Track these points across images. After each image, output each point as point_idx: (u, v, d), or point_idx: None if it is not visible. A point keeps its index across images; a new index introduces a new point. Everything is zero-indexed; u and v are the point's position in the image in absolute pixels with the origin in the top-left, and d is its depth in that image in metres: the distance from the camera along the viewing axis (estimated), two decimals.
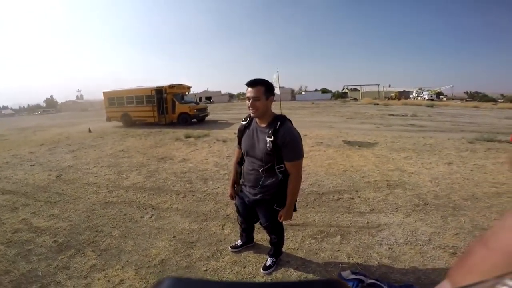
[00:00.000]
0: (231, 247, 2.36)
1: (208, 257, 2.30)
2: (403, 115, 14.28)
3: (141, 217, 3.10)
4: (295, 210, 1.79)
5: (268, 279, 2.02)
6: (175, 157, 5.96)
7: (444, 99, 32.71)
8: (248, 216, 2.04)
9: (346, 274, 1.93)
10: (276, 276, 2.05)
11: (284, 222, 1.88)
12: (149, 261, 2.28)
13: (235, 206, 2.10)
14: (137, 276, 2.10)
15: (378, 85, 40.01)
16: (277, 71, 7.78)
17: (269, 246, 2.17)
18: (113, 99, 13.41)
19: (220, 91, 50.34)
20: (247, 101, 1.56)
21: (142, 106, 12.63)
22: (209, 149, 6.70)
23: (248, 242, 2.36)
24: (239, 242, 2.37)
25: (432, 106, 21.47)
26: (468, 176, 4.17)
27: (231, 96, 51.03)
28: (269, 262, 2.10)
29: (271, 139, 1.55)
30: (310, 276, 2.01)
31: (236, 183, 1.98)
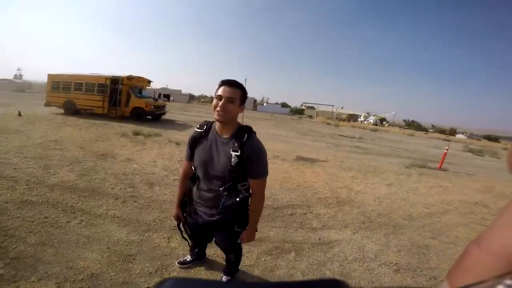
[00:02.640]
0: (178, 263, 2.08)
1: (150, 272, 1.99)
2: (351, 137, 15.53)
3: (67, 222, 2.58)
4: (256, 230, 1.59)
5: None
6: (118, 155, 5.27)
7: (386, 125, 36.89)
8: (201, 237, 1.80)
9: None
10: None
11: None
12: (75, 274, 1.90)
13: (182, 227, 1.76)
14: None
15: (333, 105, 43.32)
16: (245, 79, 7.75)
17: (222, 262, 1.99)
18: (58, 83, 11.71)
19: (180, 90, 48.29)
20: (216, 101, 1.31)
21: (91, 95, 11.28)
22: (159, 150, 6.14)
23: (199, 258, 2.11)
24: (188, 258, 2.10)
25: (375, 130, 23.94)
26: (405, 197, 4.60)
27: (191, 97, 49.36)
28: (224, 281, 1.88)
29: (237, 153, 1.32)
30: None
31: (182, 202, 1.69)
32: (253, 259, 2.29)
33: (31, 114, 9.83)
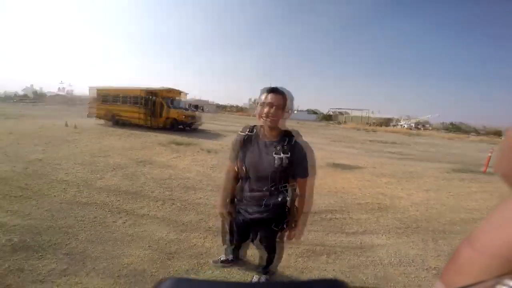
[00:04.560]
0: (213, 261, 2.18)
1: (187, 270, 2.11)
2: (385, 142, 14.83)
3: (114, 221, 2.83)
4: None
5: None
6: (155, 162, 5.67)
7: (430, 128, 34.50)
8: (243, 236, 1.87)
9: None
10: None
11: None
12: (119, 270, 2.04)
13: (228, 225, 1.86)
14: (104, 285, 1.87)
15: (366, 110, 41.57)
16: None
17: (256, 263, 2.05)
18: (100, 96, 12.96)
19: (207, 101, 50.26)
20: (267, 108, 1.38)
21: (129, 106, 12.23)
22: (193, 157, 6.47)
23: (235, 259, 2.17)
24: (222, 257, 2.19)
25: (414, 135, 22.54)
26: (444, 202, 4.32)
27: (217, 107, 51.13)
28: (263, 279, 1.94)
29: (284, 155, 1.41)
30: None
31: (228, 201, 1.76)
32: (284, 260, 2.31)
33: (78, 124, 10.79)
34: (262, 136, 1.50)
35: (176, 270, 2.10)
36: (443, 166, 7.76)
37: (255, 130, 1.55)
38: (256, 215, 1.57)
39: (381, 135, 19.92)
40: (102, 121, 12.78)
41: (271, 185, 1.49)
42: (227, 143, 9.69)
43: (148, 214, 3.07)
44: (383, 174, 6.21)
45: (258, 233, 1.73)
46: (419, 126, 35.99)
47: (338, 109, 47.73)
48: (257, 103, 1.45)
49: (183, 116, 11.81)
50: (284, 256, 2.37)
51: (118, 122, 12.38)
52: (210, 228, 2.82)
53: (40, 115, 15.07)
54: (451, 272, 0.28)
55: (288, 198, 1.54)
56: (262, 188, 1.51)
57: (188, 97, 15.50)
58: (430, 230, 3.18)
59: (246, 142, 1.54)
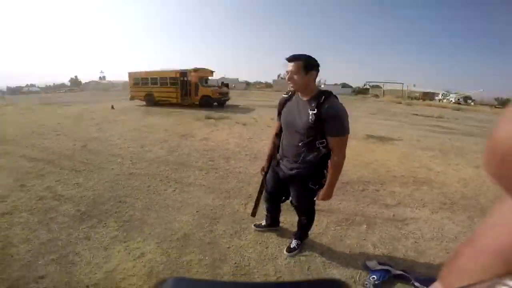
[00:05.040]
0: (254, 225, 2.36)
1: (231, 234, 2.29)
2: (428, 116, 13.72)
3: (165, 190, 3.13)
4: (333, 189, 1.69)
5: (291, 261, 1.98)
6: (196, 135, 6.07)
7: (472, 103, 30.91)
8: (276, 192, 1.98)
9: (372, 264, 1.90)
10: (300, 259, 2.01)
11: (317, 204, 1.84)
12: (172, 234, 2.25)
13: (263, 181, 2.01)
14: (159, 249, 2.06)
15: (402, 83, 38.22)
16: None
17: (294, 229, 2.16)
18: (138, 80, 14.03)
19: (237, 79, 50.22)
20: (287, 76, 1.58)
21: (166, 87, 13.25)
22: (229, 130, 6.77)
23: (273, 224, 2.33)
24: (263, 222, 2.35)
25: (458, 109, 20.44)
26: None
27: (247, 84, 50.97)
28: (293, 244, 2.07)
29: (314, 112, 1.49)
30: (335, 263, 1.98)
31: (273, 156, 1.90)
32: (322, 227, 2.43)
33: (121, 107, 11.97)
34: (299, 97, 1.64)
35: (220, 235, 2.28)
36: None
37: (296, 93, 1.68)
38: (295, 171, 1.68)
39: (424, 109, 18.36)
40: (142, 103, 13.83)
41: (304, 141, 1.59)
42: (259, 116, 9.87)
43: (194, 183, 3.36)
44: (428, 147, 5.86)
45: (291, 192, 1.84)
46: (469, 101, 32.18)
47: (374, 82, 44.38)
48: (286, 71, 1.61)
49: (217, 94, 12.64)
50: (323, 224, 2.49)
51: (157, 103, 13.41)
52: (250, 195, 2.98)
53: (88, 101, 16.67)
54: (451, 272, 0.29)
55: (320, 156, 1.59)
56: (296, 143, 1.63)
57: (218, 75, 16.15)
58: (478, 208, 3.01)
59: (286, 102, 1.73)
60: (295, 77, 1.53)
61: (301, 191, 1.77)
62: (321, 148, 1.58)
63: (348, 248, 2.17)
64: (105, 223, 2.41)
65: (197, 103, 12.68)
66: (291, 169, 1.70)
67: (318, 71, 1.57)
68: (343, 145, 1.54)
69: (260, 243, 2.18)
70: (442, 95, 35.31)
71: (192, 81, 12.69)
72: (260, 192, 2.07)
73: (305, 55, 1.54)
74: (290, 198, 1.91)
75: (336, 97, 1.57)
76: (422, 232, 2.44)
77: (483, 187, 3.65)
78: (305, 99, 1.59)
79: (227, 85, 14.71)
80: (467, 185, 3.71)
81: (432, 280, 1.25)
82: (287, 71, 1.56)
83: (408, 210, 2.87)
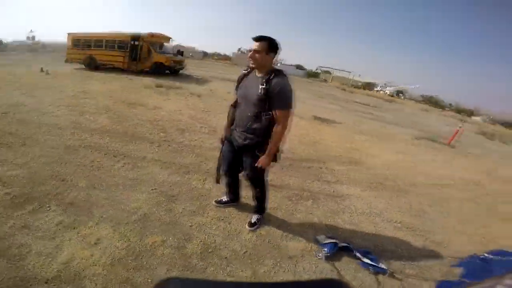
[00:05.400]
0: (215, 201, 2.42)
1: (192, 211, 2.28)
2: (365, 104, 15.34)
3: (112, 165, 2.84)
4: (275, 160, 1.91)
5: (254, 236, 2.12)
6: (146, 104, 5.63)
7: (402, 97, 35.42)
8: (233, 163, 2.07)
9: (322, 238, 2.19)
10: (261, 233, 2.17)
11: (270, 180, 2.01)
12: (127, 216, 2.07)
13: (220, 153, 2.14)
14: (116, 233, 1.88)
15: (350, 72, 41.22)
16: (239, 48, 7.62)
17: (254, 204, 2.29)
18: (79, 41, 12.24)
19: (194, 47, 46.70)
20: (249, 52, 1.73)
21: (111, 51, 11.86)
22: (183, 101, 6.50)
23: (233, 200, 2.43)
24: (224, 198, 2.43)
25: (391, 101, 23.26)
26: (411, 166, 4.86)
27: (205, 54, 48.02)
28: (254, 219, 2.21)
29: (264, 86, 1.69)
30: (290, 236, 2.21)
31: (229, 126, 2.05)
32: (276, 202, 2.66)
33: (55, 71, 9.73)
34: (255, 73, 1.82)
35: (181, 213, 2.23)
36: (415, 133, 8.40)
37: (254, 70, 1.85)
38: (244, 141, 1.87)
39: (364, 98, 20.39)
40: (81, 67, 11.93)
41: (254, 111, 1.77)
42: (215, 87, 9.61)
43: (146, 157, 3.17)
44: (362, 132, 6.69)
45: (243, 163, 2.00)
46: (400, 95, 36.73)
47: (326, 67, 46.78)
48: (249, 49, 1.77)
49: (171, 61, 11.83)
50: (276, 198, 2.73)
51: (99, 67, 11.92)
52: (208, 170, 3.02)
53: (8, 63, 13.16)
54: None
55: (265, 125, 1.77)
56: (247, 114, 1.82)
57: (174, 43, 14.86)
58: (396, 189, 3.64)
59: (244, 77, 1.91)
60: (257, 55, 1.70)
61: (250, 159, 1.91)
62: (265, 118, 1.76)
63: (299, 221, 2.45)
64: (48, 207, 2.06)
65: (148, 69, 11.69)
66: (242, 138, 1.88)
67: (278, 53, 1.77)
68: (286, 118, 1.75)
69: (222, 219, 2.25)
70: (380, 86, 39.38)
71: (144, 46, 11.58)
72: (220, 159, 2.18)
73: (270, 37, 1.71)
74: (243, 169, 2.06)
75: (286, 76, 1.77)
76: (356, 207, 2.89)
77: (400, 171, 4.42)
78: (259, 75, 1.77)
79: (181, 53, 13.73)
80: (389, 168, 4.43)
81: (367, 252, 1.60)
82: (249, 49, 1.73)
83: (345, 187, 3.34)
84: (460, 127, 8.34)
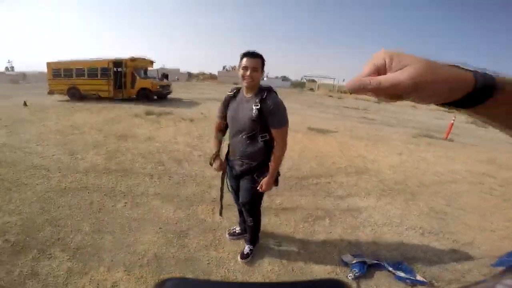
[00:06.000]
0: (228, 233, 2.27)
1: (206, 246, 2.15)
2: (355, 108, 15.52)
3: (113, 205, 2.68)
4: (276, 184, 1.79)
5: (275, 266, 1.97)
6: (137, 135, 5.42)
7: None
8: (238, 191, 1.94)
9: (348, 258, 2.05)
10: (282, 262, 2.03)
11: (265, 199, 1.89)
12: (140, 258, 1.99)
13: (221, 184, 2.01)
14: (131, 277, 1.81)
15: (334, 78, 42.20)
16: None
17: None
18: (59, 70, 11.76)
19: (178, 69, 47.30)
20: (242, 71, 1.56)
21: (95, 79, 11.41)
22: (175, 127, 6.31)
23: (246, 230, 2.24)
24: (237, 229, 2.27)
25: (379, 102, 23.67)
26: (416, 165, 4.77)
27: (189, 75, 48.59)
28: (246, 250, 2.05)
29: (257, 107, 1.56)
30: (314, 260, 2.07)
31: (219, 155, 1.91)
32: (291, 226, 2.51)
33: (37, 103, 9.66)
34: (243, 94, 1.69)
35: (195, 248, 2.12)
36: (410, 132, 8.42)
37: (241, 90, 1.73)
38: (241, 167, 1.75)
39: (352, 102, 20.70)
40: (64, 98, 11.65)
41: (248, 135, 1.65)
42: (206, 110, 9.49)
43: (147, 192, 3.00)
44: (359, 137, 6.62)
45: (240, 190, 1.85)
46: None
47: (310, 76, 47.85)
48: (238, 67, 1.60)
49: (157, 86, 11.42)
50: (291, 222, 2.57)
51: (84, 97, 11.52)
52: (214, 198, 2.84)
53: None
54: None
55: (262, 148, 1.66)
56: (241, 137, 1.68)
57: (157, 65, 14.64)
58: (408, 192, 3.54)
59: (231, 99, 1.75)
60: (255, 74, 1.56)
61: (247, 184, 1.78)
62: (261, 141, 1.65)
63: (320, 243, 2.29)
64: (50, 254, 1.97)
65: (134, 96, 11.32)
66: (239, 164, 1.77)
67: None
68: (284, 136, 1.65)
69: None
70: None
71: (128, 72, 11.19)
72: (221, 190, 2.06)
73: (261, 54, 1.60)
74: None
75: (276, 92, 1.68)
76: (375, 219, 2.75)
77: (407, 172, 4.32)
78: (249, 95, 1.65)
79: (166, 76, 13.55)
80: (396, 171, 4.34)
81: (399, 263, 1.41)
82: (245, 67, 1.54)
83: (357, 199, 3.20)
84: (453, 119, 8.40)
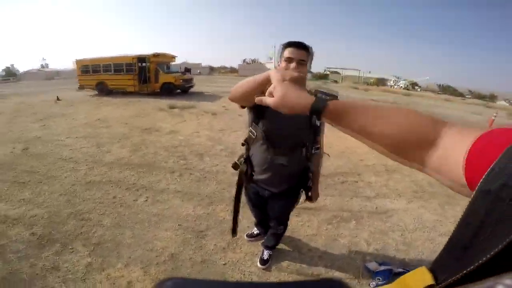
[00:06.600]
0: (246, 235, 2.18)
1: (223, 248, 2.08)
2: (384, 101, 14.70)
3: (134, 200, 2.71)
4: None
5: (294, 270, 1.89)
6: (161, 128, 5.53)
7: (419, 90, 34.01)
8: (264, 208, 1.71)
9: (373, 266, 1.90)
10: (301, 266, 1.93)
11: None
12: (157, 256, 1.97)
13: (235, 201, 1.69)
14: (147, 276, 1.79)
15: (359, 70, 40.33)
16: (274, 46, 7.52)
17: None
18: (87, 67, 12.48)
19: (200, 64, 47.95)
20: (286, 64, 1.19)
21: (121, 75, 11.98)
22: (198, 121, 6.35)
23: (265, 231, 2.09)
24: (255, 231, 2.17)
25: (408, 95, 22.29)
26: None
27: (211, 69, 49.13)
28: (266, 256, 1.92)
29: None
30: (336, 265, 1.94)
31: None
32: (314, 228, 2.37)
33: (68, 98, 10.29)
34: None
35: (212, 250, 2.06)
36: None
37: None
38: (280, 187, 1.45)
39: (380, 95, 19.70)
40: (93, 93, 12.32)
41: (295, 147, 1.39)
42: (228, 103, 9.47)
43: (168, 188, 2.99)
44: None
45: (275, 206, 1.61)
46: (416, 87, 35.27)
47: (334, 68, 46.07)
48: (280, 59, 1.24)
49: (180, 80, 11.71)
50: (314, 223, 2.43)
51: (112, 91, 12.10)
52: (233, 198, 2.76)
53: (24, 92, 14.01)
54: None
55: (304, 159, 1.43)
56: (284, 151, 1.37)
57: (180, 60, 14.88)
58: (444, 195, 3.21)
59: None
60: (304, 68, 1.20)
61: (287, 202, 1.59)
62: (313, 152, 1.43)
63: (344, 248, 2.14)
64: (71, 248, 2.02)
65: (158, 90, 11.70)
66: (276, 184, 1.46)
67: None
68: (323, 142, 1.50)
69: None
70: (393, 81, 38.11)
71: (151, 67, 11.60)
72: (236, 211, 1.75)
73: (307, 44, 1.25)
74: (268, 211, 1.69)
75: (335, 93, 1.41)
76: (405, 223, 2.53)
77: None
78: None
79: (189, 71, 13.78)
80: None
81: None
82: (290, 58, 1.19)
83: (387, 201, 2.96)
84: (494, 115, 7.67)
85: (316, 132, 1.39)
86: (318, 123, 1.34)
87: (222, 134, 5.22)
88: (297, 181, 1.50)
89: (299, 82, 1.27)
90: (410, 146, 0.39)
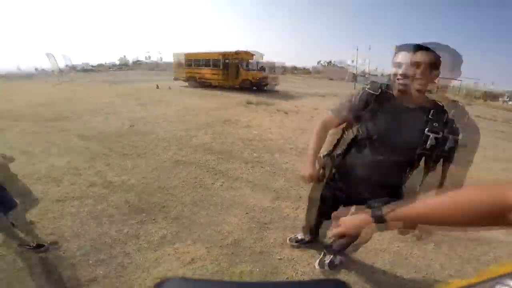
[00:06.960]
0: (289, 240, 2.08)
1: (282, 243, 2.09)
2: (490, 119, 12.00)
3: (212, 183, 3.00)
4: None
5: (350, 279, 1.82)
6: (238, 121, 6.06)
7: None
8: (330, 212, 1.63)
9: None
10: (358, 276, 1.86)
11: None
12: (222, 239, 2.09)
13: (309, 206, 1.68)
14: (209, 256, 1.90)
15: (478, 79, 33.05)
16: (357, 49, 7.16)
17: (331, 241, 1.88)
18: (182, 60, 14.54)
19: (274, 63, 48.92)
20: (398, 69, 1.09)
21: (210, 69, 13.55)
22: (271, 118, 6.71)
23: (312, 237, 2.05)
24: (299, 235, 2.07)
25: (471, 105, 17.01)
26: None
27: (284, 69, 49.54)
28: (337, 261, 1.84)
29: (438, 135, 1.07)
30: (398, 284, 1.83)
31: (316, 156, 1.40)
32: (384, 243, 2.20)
33: (165, 87, 12.52)
34: (403, 103, 1.15)
35: (271, 243, 2.09)
36: None
37: (389, 91, 1.20)
38: (373, 194, 1.23)
39: (479, 110, 15.99)
40: (185, 84, 14.38)
41: (410, 167, 1.20)
42: (300, 103, 9.57)
43: (241, 177, 3.24)
44: (497, 158, 5.09)
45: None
46: None
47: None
48: (397, 62, 1.11)
49: (257, 78, 12.73)
50: (385, 238, 2.26)
51: (200, 83, 13.86)
52: (301, 197, 2.81)
53: (135, 80, 17.54)
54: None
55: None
56: (394, 165, 1.19)
57: (266, 58, 15.86)
58: None
59: (381, 101, 1.18)
60: (420, 75, 1.04)
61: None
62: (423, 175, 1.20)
63: (413, 271, 1.96)
64: (154, 219, 2.29)
65: (238, 86, 12.80)
66: (370, 192, 1.26)
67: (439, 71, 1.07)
68: (463, 179, 1.15)
69: (314, 256, 1.99)
70: (507, 97, 30.42)
71: (233, 64, 12.76)
72: (318, 220, 1.72)
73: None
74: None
75: (466, 112, 1.12)
76: (495, 256, 2.15)
77: None
78: (413, 106, 1.13)
79: (264, 69, 14.63)
80: None
81: None
82: (416, 62, 1.04)
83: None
84: None
85: (433, 158, 1.15)
86: (427, 147, 1.11)
87: (292, 133, 5.33)
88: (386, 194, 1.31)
89: (423, 90, 1.11)
90: (491, 217, 0.44)
